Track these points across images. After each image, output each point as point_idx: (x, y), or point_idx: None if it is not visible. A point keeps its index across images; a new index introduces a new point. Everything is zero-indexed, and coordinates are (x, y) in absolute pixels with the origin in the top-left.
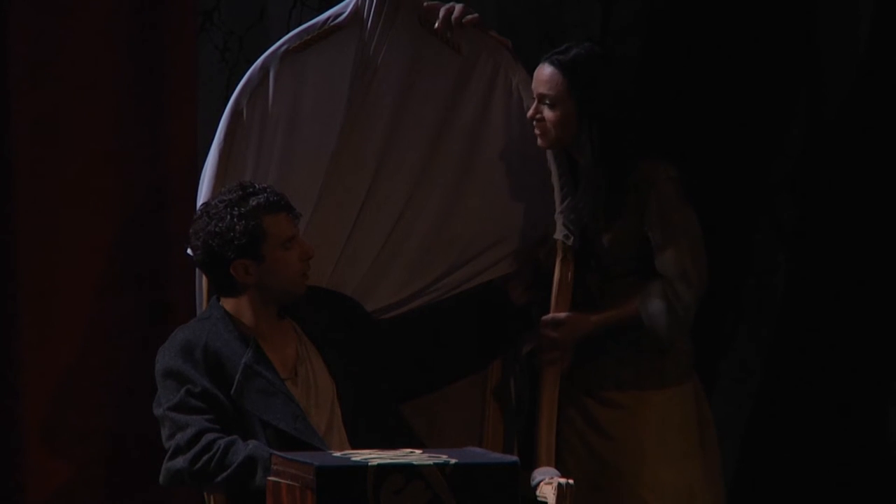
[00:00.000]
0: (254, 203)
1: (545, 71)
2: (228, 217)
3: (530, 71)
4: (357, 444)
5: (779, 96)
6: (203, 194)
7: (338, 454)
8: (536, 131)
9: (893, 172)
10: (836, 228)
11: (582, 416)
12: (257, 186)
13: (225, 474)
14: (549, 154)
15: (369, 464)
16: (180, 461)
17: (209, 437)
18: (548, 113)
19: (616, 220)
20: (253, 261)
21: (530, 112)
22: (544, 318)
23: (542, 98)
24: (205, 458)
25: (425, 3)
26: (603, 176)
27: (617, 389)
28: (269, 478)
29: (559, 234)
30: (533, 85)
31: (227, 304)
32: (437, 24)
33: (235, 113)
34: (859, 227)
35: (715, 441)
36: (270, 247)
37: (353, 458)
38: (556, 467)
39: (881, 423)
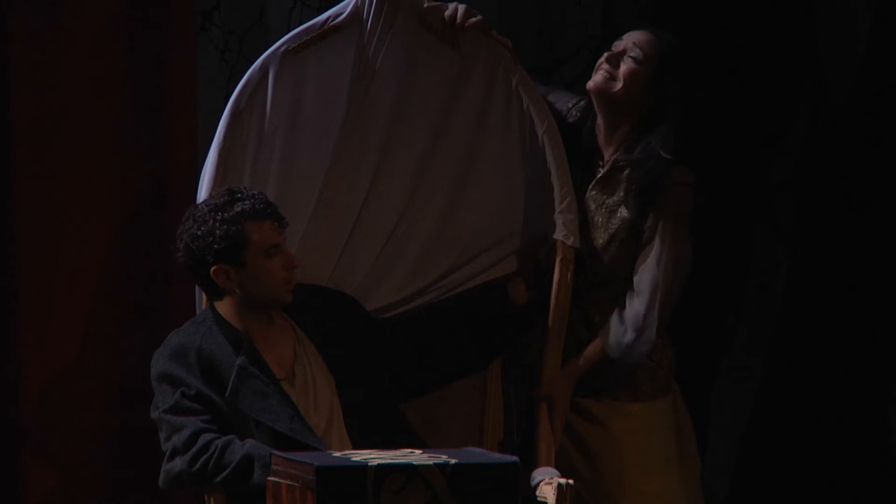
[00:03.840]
0: (238, 209)
1: (646, 35)
2: (211, 221)
3: (530, 71)
4: (357, 444)
5: (779, 96)
6: (203, 194)
7: (338, 454)
8: (601, 72)
9: (894, 172)
10: (836, 228)
11: (565, 432)
12: (246, 192)
13: (224, 474)
14: (548, 154)
15: (369, 464)
16: (178, 462)
17: (206, 437)
18: (626, 65)
19: (623, 219)
20: (233, 266)
21: (607, 54)
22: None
23: (630, 49)
24: (202, 458)
25: (426, 4)
26: (663, 161)
27: (593, 398)
28: (269, 478)
29: (559, 234)
30: (624, 37)
31: (220, 306)
32: (438, 26)
33: (235, 113)
34: (859, 227)
35: (695, 453)
36: (252, 254)
37: (353, 458)
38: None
39: (881, 423)
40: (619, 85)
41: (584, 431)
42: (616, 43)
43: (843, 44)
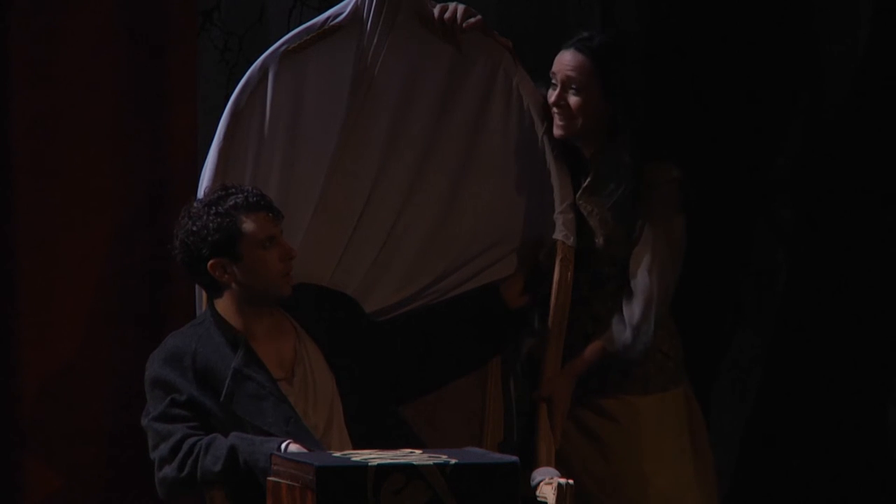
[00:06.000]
0: (231, 202)
1: (570, 56)
2: (205, 216)
3: (530, 71)
4: (356, 444)
5: (778, 96)
6: (202, 194)
7: (338, 454)
8: (558, 119)
9: (892, 172)
10: (836, 228)
11: (577, 428)
12: (239, 187)
13: (216, 470)
14: (548, 154)
15: (369, 464)
16: (168, 470)
17: (190, 441)
18: (573, 98)
19: (618, 220)
20: (230, 260)
21: (553, 98)
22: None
23: (567, 83)
24: (189, 461)
25: (426, 4)
26: (632, 167)
27: (603, 394)
28: (270, 478)
29: (559, 234)
30: (555, 69)
31: (219, 305)
32: (437, 26)
33: (235, 113)
34: (858, 227)
35: (707, 447)
36: (248, 246)
37: (353, 458)
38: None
39: (881, 423)
40: (578, 122)
41: (599, 428)
42: (552, 73)
43: (843, 43)
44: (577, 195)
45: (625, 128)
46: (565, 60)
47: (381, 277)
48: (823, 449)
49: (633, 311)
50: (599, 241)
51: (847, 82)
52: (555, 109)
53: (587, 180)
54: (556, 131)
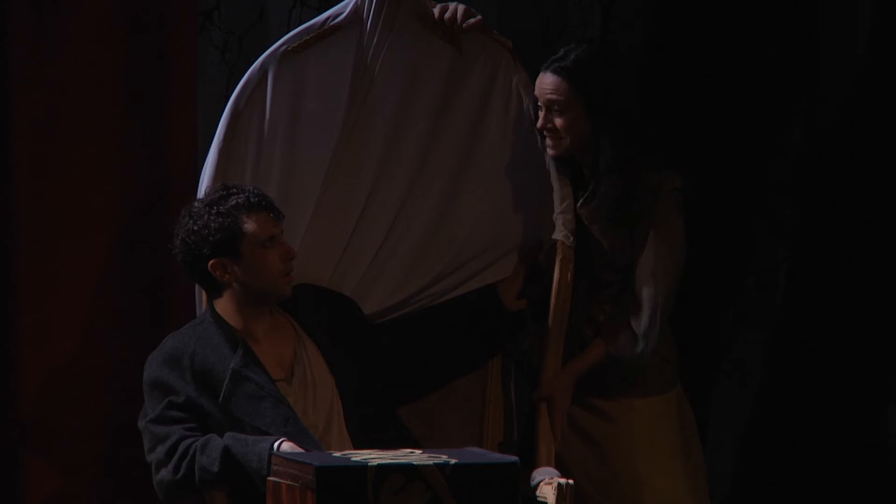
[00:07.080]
0: (233, 202)
1: (549, 79)
2: (206, 216)
3: (530, 71)
4: (356, 444)
5: (778, 97)
6: (203, 194)
7: (338, 454)
8: (548, 141)
9: (892, 173)
10: (836, 228)
11: (573, 429)
12: (240, 186)
13: (214, 471)
14: (547, 155)
15: (369, 464)
16: (164, 473)
17: (186, 443)
18: (558, 120)
19: (617, 227)
20: (231, 259)
21: (540, 122)
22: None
23: (550, 106)
24: (184, 463)
25: (426, 4)
26: (621, 176)
27: (600, 396)
28: (269, 478)
29: (558, 234)
30: (537, 93)
31: (219, 305)
32: (438, 26)
33: (235, 113)
34: (858, 227)
35: (699, 451)
36: (248, 245)
37: (353, 458)
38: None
39: (881, 423)
40: (567, 140)
41: (595, 429)
42: (536, 96)
43: (843, 43)
44: (578, 205)
45: (615, 138)
46: (545, 84)
47: (380, 278)
48: (823, 449)
49: (640, 319)
50: (601, 248)
51: (847, 82)
52: (545, 136)
53: (586, 191)
54: (549, 151)
